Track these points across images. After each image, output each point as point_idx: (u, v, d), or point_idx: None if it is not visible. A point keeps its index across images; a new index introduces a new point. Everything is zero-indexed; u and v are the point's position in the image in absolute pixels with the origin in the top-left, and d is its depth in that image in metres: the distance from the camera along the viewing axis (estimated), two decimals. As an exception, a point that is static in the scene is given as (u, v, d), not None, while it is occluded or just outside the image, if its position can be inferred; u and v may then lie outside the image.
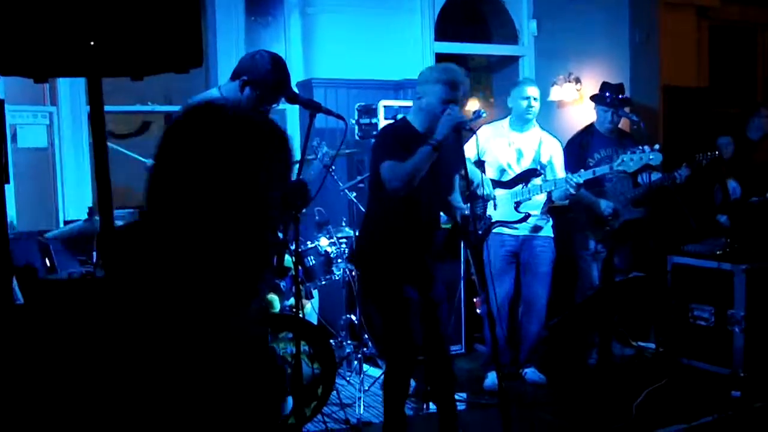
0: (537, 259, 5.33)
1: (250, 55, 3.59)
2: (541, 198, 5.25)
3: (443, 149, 3.93)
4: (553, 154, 5.38)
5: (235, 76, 3.55)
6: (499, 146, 5.32)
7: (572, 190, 5.11)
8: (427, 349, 4.22)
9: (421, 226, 4.07)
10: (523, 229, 5.21)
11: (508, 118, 5.42)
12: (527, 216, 5.02)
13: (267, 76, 3.49)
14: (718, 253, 5.36)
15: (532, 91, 5.30)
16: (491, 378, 5.32)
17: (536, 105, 5.31)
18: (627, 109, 5.64)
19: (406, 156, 3.85)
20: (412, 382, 5.34)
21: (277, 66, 3.52)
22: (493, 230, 5.00)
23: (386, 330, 4.17)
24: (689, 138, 6.78)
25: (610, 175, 5.50)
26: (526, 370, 5.45)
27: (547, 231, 5.37)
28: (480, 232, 4.76)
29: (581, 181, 5.08)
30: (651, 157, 4.99)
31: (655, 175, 5.48)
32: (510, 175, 5.25)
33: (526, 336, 5.45)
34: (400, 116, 5.69)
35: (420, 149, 3.83)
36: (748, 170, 6.56)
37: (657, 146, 5.03)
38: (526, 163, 5.28)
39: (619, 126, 5.75)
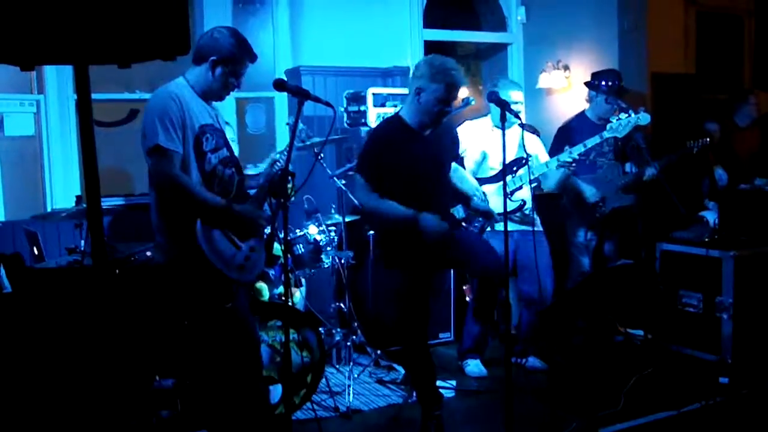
0: (538, 252, 5.23)
1: (208, 35, 3.53)
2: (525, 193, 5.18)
3: (435, 146, 4.00)
4: (537, 150, 5.37)
5: (200, 59, 3.51)
6: (482, 139, 5.27)
7: (567, 170, 5.11)
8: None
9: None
10: (516, 225, 5.17)
11: (489, 116, 5.35)
12: (523, 204, 4.99)
13: (234, 50, 3.48)
14: (706, 240, 5.38)
15: (518, 95, 5.26)
16: (473, 365, 5.39)
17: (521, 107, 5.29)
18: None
19: (387, 164, 4.04)
20: (401, 370, 5.37)
21: (238, 36, 3.53)
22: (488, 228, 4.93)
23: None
24: (677, 124, 6.80)
25: (600, 162, 5.49)
26: (528, 357, 5.48)
27: (538, 225, 5.31)
28: (476, 230, 4.75)
29: (576, 156, 5.03)
30: (639, 117, 4.99)
31: (634, 167, 5.54)
32: (492, 163, 5.19)
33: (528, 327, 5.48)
34: (392, 108, 5.75)
35: (403, 210, 3.99)
36: (735, 156, 6.59)
37: (642, 108, 5.04)
38: (511, 155, 5.24)
39: None
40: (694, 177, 6.42)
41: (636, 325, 5.99)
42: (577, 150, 5.04)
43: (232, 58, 3.48)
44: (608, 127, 5.06)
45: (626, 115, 5.00)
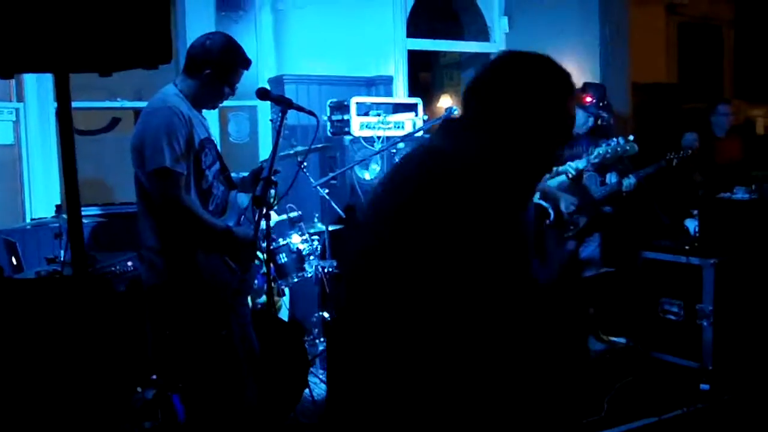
0: None
1: (200, 44, 3.42)
2: None
3: None
4: None
5: (195, 70, 3.41)
6: None
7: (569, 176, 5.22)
8: None
9: None
10: None
11: None
12: None
13: (229, 59, 3.41)
14: (687, 247, 5.41)
15: None
16: None
17: None
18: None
19: None
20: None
21: (232, 44, 3.44)
22: None
23: None
24: (659, 133, 6.84)
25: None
26: None
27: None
28: None
29: (581, 167, 5.12)
30: (627, 148, 5.04)
31: (614, 177, 5.59)
32: None
33: None
34: (375, 118, 5.77)
35: None
36: (713, 166, 6.62)
37: (631, 137, 5.08)
38: None
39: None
40: (676, 186, 6.45)
41: (618, 333, 6.02)
42: (581, 164, 5.15)
43: (227, 67, 3.41)
44: (596, 152, 5.14)
45: (615, 142, 5.08)
